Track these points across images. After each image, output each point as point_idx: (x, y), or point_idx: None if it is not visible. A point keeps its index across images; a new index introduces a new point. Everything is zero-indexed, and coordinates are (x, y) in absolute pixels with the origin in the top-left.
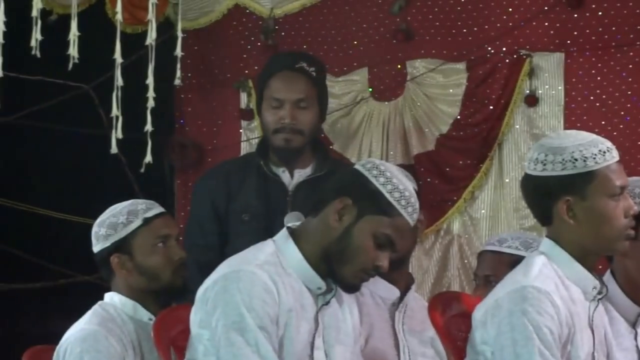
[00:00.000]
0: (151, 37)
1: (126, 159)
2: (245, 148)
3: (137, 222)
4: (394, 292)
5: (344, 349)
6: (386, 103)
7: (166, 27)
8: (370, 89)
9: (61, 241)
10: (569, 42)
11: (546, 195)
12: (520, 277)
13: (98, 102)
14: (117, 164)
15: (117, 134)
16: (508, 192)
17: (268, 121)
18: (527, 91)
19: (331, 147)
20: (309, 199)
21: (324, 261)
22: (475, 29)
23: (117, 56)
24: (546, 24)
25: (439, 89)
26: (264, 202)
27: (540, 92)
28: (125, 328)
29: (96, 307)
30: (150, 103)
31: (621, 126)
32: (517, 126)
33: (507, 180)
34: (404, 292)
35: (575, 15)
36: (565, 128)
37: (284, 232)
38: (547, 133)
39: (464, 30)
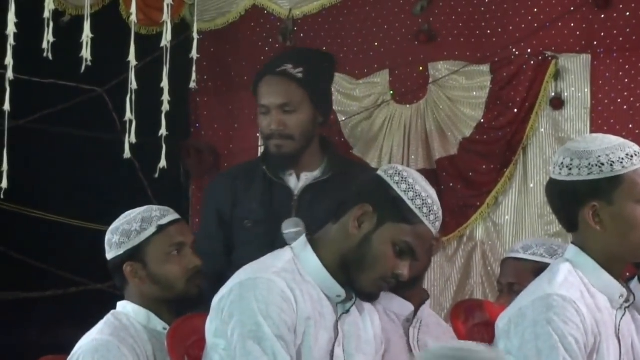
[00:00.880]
0: (166, 39)
1: (140, 164)
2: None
3: (151, 230)
4: (407, 308)
5: (364, 359)
6: (408, 106)
7: (182, 29)
8: (392, 92)
9: (73, 248)
10: (595, 43)
11: (572, 201)
12: (545, 285)
13: (111, 105)
14: (131, 169)
15: (130, 138)
16: (533, 197)
17: (261, 128)
18: (553, 94)
19: (351, 151)
20: (316, 202)
21: (342, 269)
22: (500, 30)
23: (132, 58)
24: (572, 24)
25: (462, 92)
26: (268, 207)
27: (566, 94)
28: (139, 338)
29: (109, 317)
30: (165, 107)
31: None
32: (542, 130)
33: (531, 186)
34: (418, 307)
35: (603, 16)
36: (592, 131)
37: (302, 239)
38: (573, 137)
39: (488, 31)
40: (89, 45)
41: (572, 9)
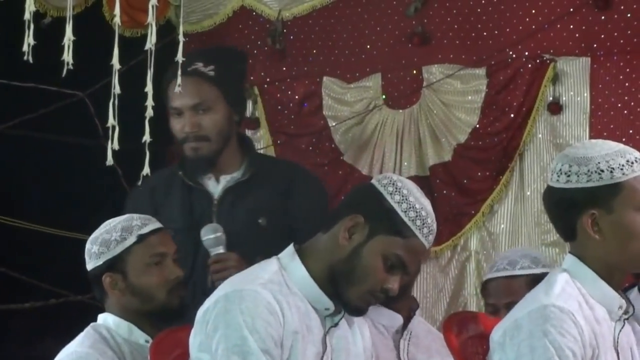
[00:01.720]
0: (151, 42)
1: (123, 171)
2: None
3: (131, 239)
4: (397, 320)
5: None
6: (401, 111)
7: (167, 31)
8: (384, 96)
9: (52, 258)
10: (595, 45)
11: (570, 209)
12: (542, 296)
13: (94, 110)
14: (114, 176)
15: (113, 144)
16: (529, 205)
17: (174, 131)
18: (551, 98)
19: (342, 157)
20: (238, 204)
21: (331, 281)
22: (496, 32)
23: (115, 62)
24: (571, 26)
25: (456, 96)
26: (189, 214)
27: (564, 99)
28: (120, 351)
29: (89, 329)
30: (149, 112)
31: None
32: (540, 135)
33: (528, 193)
34: (408, 318)
35: (602, 18)
36: (591, 137)
37: (289, 249)
38: (572, 142)
39: (484, 34)
40: (70, 48)
41: (571, 10)
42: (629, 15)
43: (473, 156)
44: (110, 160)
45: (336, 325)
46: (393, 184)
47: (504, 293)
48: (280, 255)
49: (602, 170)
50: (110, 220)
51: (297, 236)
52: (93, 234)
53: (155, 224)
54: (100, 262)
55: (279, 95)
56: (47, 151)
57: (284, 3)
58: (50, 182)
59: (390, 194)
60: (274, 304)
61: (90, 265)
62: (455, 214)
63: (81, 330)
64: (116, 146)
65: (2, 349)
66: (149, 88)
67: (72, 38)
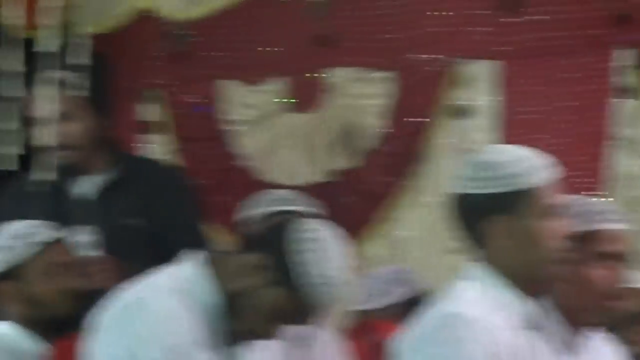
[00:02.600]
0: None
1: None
2: None
3: (29, 247)
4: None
5: None
6: (305, 115)
7: (66, 32)
8: (288, 100)
9: None
10: (505, 48)
11: (477, 215)
12: (451, 303)
13: None
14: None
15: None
16: (433, 211)
17: (40, 141)
18: (458, 102)
19: (244, 162)
20: (110, 205)
21: (224, 304)
22: (404, 34)
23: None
24: (479, 29)
25: (362, 100)
26: (62, 220)
27: (471, 103)
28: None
29: None
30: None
31: (560, 140)
32: (446, 140)
33: (433, 199)
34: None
35: (512, 20)
36: (499, 142)
37: (197, 258)
38: (478, 148)
39: (391, 36)
40: None
41: (479, 12)
42: (538, 18)
43: (379, 161)
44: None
45: None
46: (313, 240)
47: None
48: (185, 263)
49: (510, 176)
50: (8, 226)
51: (168, 237)
52: None
53: (54, 232)
54: None
55: (180, 98)
56: None
57: (187, 5)
58: None
59: (306, 251)
60: (177, 313)
61: None
62: (358, 220)
63: None
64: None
65: None
66: (35, 91)
67: None
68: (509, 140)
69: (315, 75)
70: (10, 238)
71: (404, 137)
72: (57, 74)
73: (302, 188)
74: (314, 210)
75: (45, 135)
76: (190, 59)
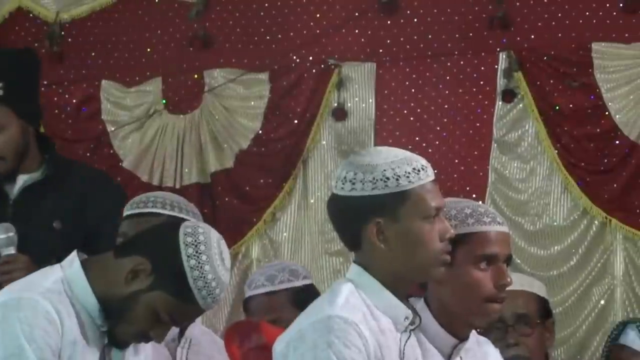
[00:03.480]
0: None
1: None
2: None
3: None
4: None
5: None
6: (181, 116)
7: None
8: (165, 101)
9: None
10: (381, 51)
11: (355, 217)
12: (326, 306)
13: None
14: None
15: None
16: (313, 213)
17: None
18: (335, 104)
19: (120, 164)
20: (34, 204)
21: (106, 307)
22: (280, 36)
23: None
24: (356, 31)
25: (239, 101)
26: None
27: (349, 105)
28: None
29: None
30: None
31: (437, 142)
32: (324, 142)
33: (312, 201)
34: (184, 326)
35: (389, 22)
36: (376, 144)
37: (74, 260)
38: (357, 149)
39: (267, 38)
40: None
41: (356, 14)
42: (415, 20)
43: (256, 163)
44: None
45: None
46: (195, 245)
47: (266, 310)
48: (63, 263)
49: (388, 178)
50: None
51: (93, 241)
52: None
53: None
54: None
55: (56, 99)
56: None
57: (62, 5)
58: None
59: (188, 256)
60: (53, 314)
61: None
62: (236, 221)
63: None
64: None
65: None
66: None
67: None
68: (388, 142)
69: (192, 76)
70: None
71: (282, 139)
72: None
73: (179, 189)
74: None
75: None
76: (67, 60)
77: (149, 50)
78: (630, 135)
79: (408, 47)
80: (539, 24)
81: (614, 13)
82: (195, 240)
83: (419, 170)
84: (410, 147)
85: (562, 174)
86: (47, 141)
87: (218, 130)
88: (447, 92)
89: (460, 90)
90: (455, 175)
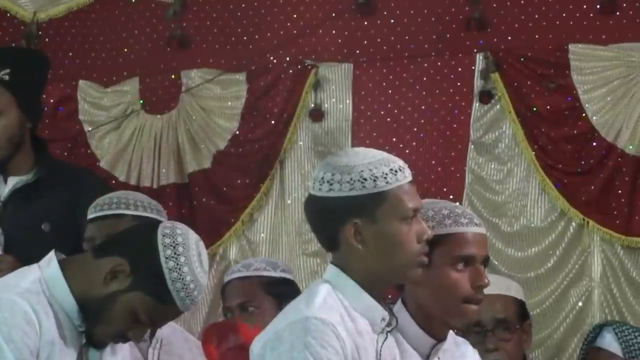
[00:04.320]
0: None
1: None
2: None
3: None
4: None
5: None
6: (159, 116)
7: None
8: (142, 101)
9: None
10: (358, 51)
11: (332, 218)
12: (303, 307)
13: None
14: None
15: None
16: (290, 214)
17: None
18: (312, 105)
19: (98, 164)
20: (23, 206)
21: (83, 308)
22: (257, 36)
23: None
24: (333, 32)
25: (216, 102)
26: None
27: (326, 105)
28: None
29: None
30: None
31: (414, 143)
32: (301, 142)
33: (289, 202)
34: None
35: (366, 23)
36: (354, 145)
37: (52, 260)
38: (334, 150)
39: (244, 38)
40: None
41: (333, 15)
42: (392, 21)
43: (233, 163)
44: None
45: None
46: (174, 246)
47: (237, 294)
48: (42, 263)
49: (365, 179)
50: None
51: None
52: None
53: None
54: None
55: None
56: None
57: (39, 4)
58: None
59: (166, 258)
60: (31, 314)
61: None
62: (214, 222)
63: None
64: None
65: None
66: None
67: None
68: (365, 143)
69: (170, 76)
70: None
71: (259, 139)
72: None
73: (156, 189)
74: (156, 209)
75: None
76: None
77: (126, 50)
78: (608, 137)
79: (385, 48)
80: (516, 25)
81: (591, 14)
82: (174, 242)
83: (396, 171)
84: (387, 148)
85: (539, 175)
86: (41, 142)
87: (195, 130)
88: (424, 93)
89: (437, 91)
90: (432, 177)
